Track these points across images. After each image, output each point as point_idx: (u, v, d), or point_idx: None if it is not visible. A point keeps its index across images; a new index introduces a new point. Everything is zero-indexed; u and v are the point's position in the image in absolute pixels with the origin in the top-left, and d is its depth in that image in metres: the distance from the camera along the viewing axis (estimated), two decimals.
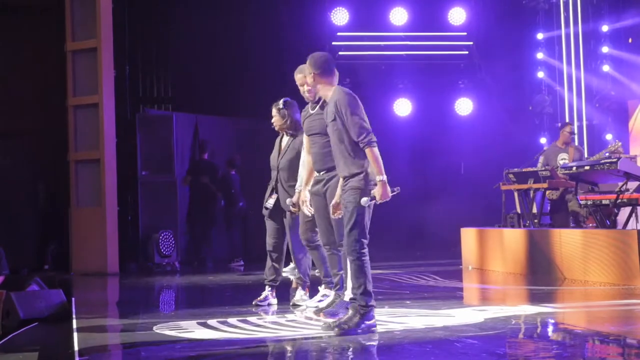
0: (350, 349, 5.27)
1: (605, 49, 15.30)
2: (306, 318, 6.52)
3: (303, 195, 6.80)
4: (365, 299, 5.71)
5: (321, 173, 6.37)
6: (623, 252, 8.23)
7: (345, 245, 5.83)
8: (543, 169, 11.34)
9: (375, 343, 5.45)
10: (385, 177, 5.65)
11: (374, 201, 5.80)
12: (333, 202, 6.01)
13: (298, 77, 6.79)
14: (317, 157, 6.38)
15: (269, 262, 7.49)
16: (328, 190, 6.25)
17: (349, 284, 6.09)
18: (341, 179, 5.86)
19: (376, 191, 5.69)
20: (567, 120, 15.53)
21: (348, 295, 6.13)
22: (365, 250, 5.77)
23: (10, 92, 14.60)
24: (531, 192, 11.08)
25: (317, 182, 6.44)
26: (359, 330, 5.64)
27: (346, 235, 5.80)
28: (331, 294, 6.79)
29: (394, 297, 8.02)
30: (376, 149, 5.69)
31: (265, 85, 13.76)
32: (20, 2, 15.01)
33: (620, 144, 11.18)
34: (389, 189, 5.67)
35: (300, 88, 6.75)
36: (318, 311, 6.43)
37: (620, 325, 6.25)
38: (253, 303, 7.39)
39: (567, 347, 5.61)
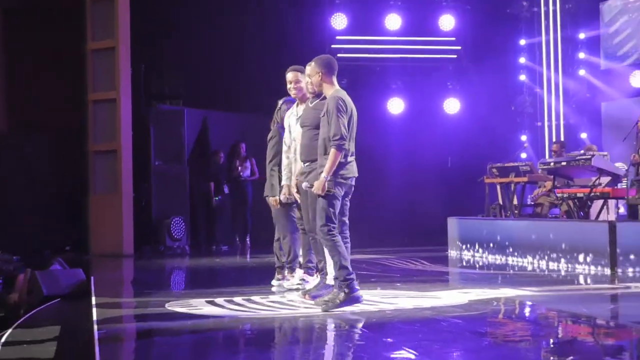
0: (346, 327, 5.31)
1: (581, 55, 15.37)
2: (290, 300, 6.42)
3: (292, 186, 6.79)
4: (344, 274, 5.75)
5: (305, 164, 6.32)
6: (595, 242, 8.26)
7: (316, 227, 5.88)
8: (524, 164, 11.36)
9: (368, 321, 5.47)
10: (329, 177, 5.68)
11: (309, 189, 5.94)
12: (306, 184, 6.05)
13: (289, 75, 6.77)
14: (303, 148, 6.33)
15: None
16: (308, 181, 6.24)
17: (332, 272, 6.09)
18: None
19: (316, 182, 5.77)
20: (544, 119, 15.61)
21: (330, 279, 6.12)
22: (334, 233, 5.80)
23: (35, 88, 14.58)
24: (512, 185, 11.10)
25: (301, 174, 6.40)
26: (347, 305, 5.69)
27: (317, 219, 5.87)
28: (313, 278, 6.68)
29: (386, 279, 8.04)
30: (339, 153, 5.71)
31: (268, 83, 13.71)
32: (44, 4, 14.99)
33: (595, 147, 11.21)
34: (327, 186, 5.68)
35: (289, 85, 6.77)
36: (304, 293, 6.40)
37: (591, 307, 6.28)
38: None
39: (542, 326, 5.66)
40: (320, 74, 5.96)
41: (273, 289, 7.01)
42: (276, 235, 7.27)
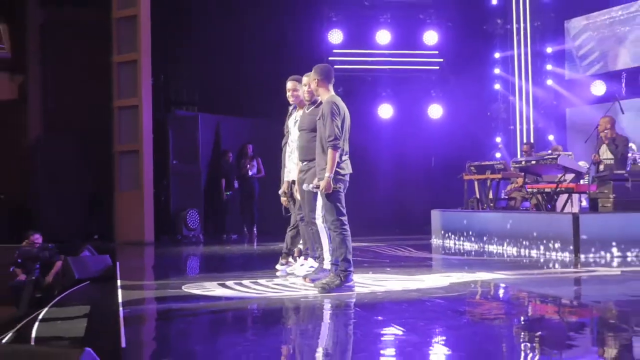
0: (342, 306, 5.32)
1: (548, 67, 15.43)
2: (292, 283, 6.41)
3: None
4: (345, 266, 5.75)
5: (303, 163, 6.31)
6: (561, 231, 8.28)
7: (328, 222, 5.83)
8: (498, 162, 11.37)
9: (361, 302, 5.49)
10: (331, 175, 5.64)
11: (317, 190, 5.84)
12: (312, 185, 5.98)
13: (288, 84, 6.75)
14: (301, 149, 6.33)
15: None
16: (306, 179, 6.23)
17: (327, 255, 6.10)
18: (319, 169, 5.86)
19: (321, 182, 5.70)
20: (516, 123, 15.62)
21: (327, 264, 6.10)
22: (346, 226, 5.77)
23: (66, 96, 14.60)
24: (488, 181, 11.12)
25: (300, 172, 6.40)
26: (340, 290, 5.68)
27: (327, 215, 5.84)
28: (315, 264, 6.63)
29: (377, 265, 8.03)
30: (336, 153, 5.67)
31: (274, 91, 13.75)
32: (75, 21, 14.99)
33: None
34: (331, 183, 5.64)
35: (288, 92, 6.73)
36: (304, 277, 6.39)
37: (557, 289, 6.30)
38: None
39: (515, 306, 5.68)
40: (317, 80, 5.94)
41: (277, 273, 7.01)
42: (291, 225, 7.12)
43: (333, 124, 5.68)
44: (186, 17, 14.59)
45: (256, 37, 14.66)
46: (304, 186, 6.10)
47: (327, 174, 5.65)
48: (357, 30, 15.46)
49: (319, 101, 6.16)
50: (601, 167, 9.55)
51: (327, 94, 5.92)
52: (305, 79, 6.36)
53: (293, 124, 6.76)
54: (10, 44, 15.84)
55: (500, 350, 4.03)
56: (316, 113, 6.03)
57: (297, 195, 6.57)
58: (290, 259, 7.09)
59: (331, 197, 5.71)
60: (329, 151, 5.67)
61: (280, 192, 6.99)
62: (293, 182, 6.72)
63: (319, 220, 6.16)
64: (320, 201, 6.02)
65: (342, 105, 5.87)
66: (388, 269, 7.64)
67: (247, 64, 14.54)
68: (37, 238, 11.29)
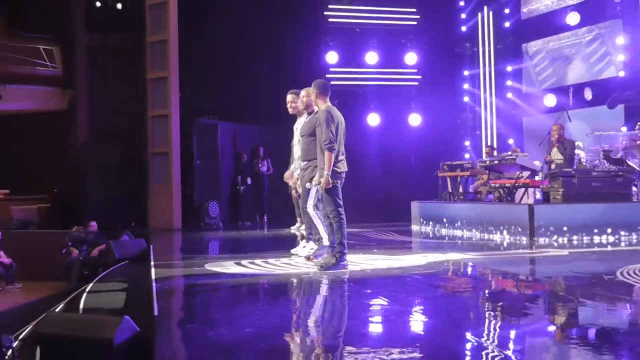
0: (336, 280, 5.33)
1: (508, 82, 15.42)
2: (297, 262, 6.38)
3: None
4: (340, 248, 5.75)
5: (303, 163, 6.31)
6: (519, 218, 8.29)
7: (328, 212, 5.80)
8: (467, 162, 11.37)
9: (353, 277, 5.50)
10: (329, 172, 5.59)
11: (317, 186, 5.81)
12: (313, 182, 5.96)
13: (288, 97, 6.69)
14: (302, 151, 6.31)
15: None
16: (304, 176, 6.23)
17: (323, 234, 6.10)
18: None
19: (322, 179, 5.65)
20: (482, 129, 15.63)
21: (325, 241, 6.08)
22: (343, 215, 5.74)
23: (108, 107, 14.59)
24: (458, 178, 11.12)
25: (301, 170, 6.37)
26: (336, 268, 5.68)
27: (326, 209, 5.81)
28: (315, 246, 6.55)
29: (365, 247, 8.04)
30: (332, 154, 5.62)
31: (281, 103, 13.73)
32: (116, 44, 15.01)
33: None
34: (330, 180, 5.59)
35: (287, 104, 6.67)
36: (308, 257, 6.40)
37: (515, 267, 6.31)
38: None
39: (480, 281, 5.69)
40: (316, 93, 5.92)
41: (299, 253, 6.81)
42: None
43: (328, 130, 5.66)
44: (209, 40, 14.57)
45: (266, 57, 14.64)
46: (307, 184, 6.08)
47: (325, 172, 5.63)
48: (349, 53, 15.42)
49: (316, 110, 6.15)
50: (553, 166, 9.55)
51: (324, 105, 5.89)
52: (303, 92, 6.38)
53: (296, 129, 6.77)
54: (62, 63, 15.87)
55: (468, 318, 4.04)
56: (314, 121, 6.02)
57: (299, 189, 6.57)
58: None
59: (330, 191, 5.69)
60: (326, 153, 5.65)
61: (285, 175, 6.90)
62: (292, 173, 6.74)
63: (309, 209, 6.18)
64: (313, 193, 6.04)
65: (337, 114, 5.84)
66: (375, 250, 7.65)
67: (258, 80, 14.53)
68: (94, 225, 11.40)
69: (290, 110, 6.76)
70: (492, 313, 4.16)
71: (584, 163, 10.41)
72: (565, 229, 7.96)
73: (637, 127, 9.68)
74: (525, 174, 9.35)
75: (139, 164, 14.27)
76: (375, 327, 3.83)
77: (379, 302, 4.42)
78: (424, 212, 11.27)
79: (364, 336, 3.54)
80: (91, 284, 6.32)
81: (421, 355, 3.11)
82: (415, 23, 15.59)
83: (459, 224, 9.83)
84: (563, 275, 5.59)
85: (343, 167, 5.83)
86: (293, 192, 6.94)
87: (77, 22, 15.31)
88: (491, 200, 10.61)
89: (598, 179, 8.48)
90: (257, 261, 6.51)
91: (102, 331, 3.50)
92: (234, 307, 4.53)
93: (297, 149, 6.76)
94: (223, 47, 14.70)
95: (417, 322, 3.92)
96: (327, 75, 14.84)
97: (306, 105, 6.33)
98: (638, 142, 9.41)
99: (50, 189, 15.36)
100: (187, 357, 3.26)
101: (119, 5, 15.51)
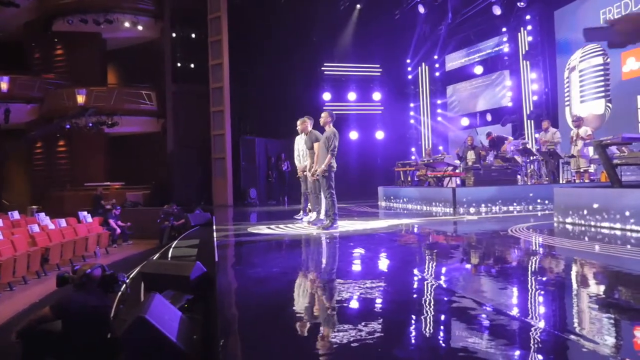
0: (330, 237, 5.28)
1: (439, 110, 15.25)
2: (305, 226, 6.36)
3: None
4: (334, 216, 5.70)
5: (308, 164, 6.27)
6: (446, 196, 8.18)
7: (323, 193, 5.76)
8: (413, 161, 11.22)
9: (341, 235, 5.43)
10: (325, 167, 5.58)
11: (319, 176, 5.74)
12: (316, 174, 5.89)
13: (298, 122, 6.40)
14: (306, 156, 6.29)
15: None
16: (311, 174, 6.15)
17: (322, 212, 6.05)
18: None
19: (319, 170, 5.66)
20: (422, 140, 15.47)
21: (322, 216, 6.04)
22: (334, 196, 5.70)
23: (186, 129, 14.55)
24: (408, 171, 11.03)
25: (308, 169, 6.32)
26: (331, 229, 5.63)
27: (323, 190, 5.76)
28: (314, 215, 6.51)
29: (349, 216, 7.97)
30: (332, 157, 5.61)
31: (294, 124, 13.66)
32: (191, 89, 14.98)
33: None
34: (324, 171, 5.58)
35: (298, 127, 6.37)
36: (309, 223, 6.34)
37: (444, 227, 6.24)
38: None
39: (423, 237, 5.62)
40: (329, 118, 5.79)
41: (304, 219, 6.70)
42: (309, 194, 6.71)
43: (332, 143, 5.64)
44: (249, 87, 14.58)
45: (285, 96, 14.60)
46: (312, 178, 6.02)
47: (322, 167, 5.63)
48: (338, 92, 15.29)
49: (309, 130, 6.10)
50: (468, 163, 9.46)
51: (331, 127, 5.82)
52: (306, 118, 6.29)
53: (299, 141, 6.71)
54: (157, 102, 15.88)
55: (415, 260, 3.99)
56: (311, 137, 6.03)
57: (310, 178, 6.49)
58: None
59: (327, 179, 5.67)
60: (329, 156, 5.62)
61: (299, 172, 6.80)
62: (304, 166, 6.59)
63: (322, 194, 6.12)
64: (323, 183, 5.93)
65: (337, 133, 5.78)
66: (355, 218, 7.59)
67: (281, 110, 14.48)
68: (174, 207, 11.31)
69: (299, 131, 6.64)
70: (429, 257, 4.10)
71: (487, 161, 10.31)
72: (474, 203, 7.89)
73: (520, 138, 9.59)
74: (450, 168, 9.28)
75: (206, 164, 14.29)
76: (356, 267, 3.78)
77: (358, 251, 4.36)
78: (387, 193, 11.20)
79: (348, 272, 3.49)
80: (176, 242, 6.27)
81: (385, 284, 3.05)
82: (379, 73, 15.46)
83: (407, 200, 9.78)
84: (474, 232, 5.54)
85: (334, 166, 5.79)
86: (303, 184, 6.84)
87: (166, 76, 15.44)
88: (429, 185, 10.55)
89: (495, 170, 8.42)
90: (281, 225, 6.48)
91: (182, 271, 3.47)
92: (266, 255, 4.47)
93: (297, 153, 6.71)
94: (258, 90, 14.66)
95: (383, 263, 3.86)
96: (324, 108, 14.71)
97: (302, 129, 6.27)
98: (520, 147, 9.34)
99: (150, 181, 15.38)
100: (236, 287, 3.21)
101: (192, 65, 15.60)
